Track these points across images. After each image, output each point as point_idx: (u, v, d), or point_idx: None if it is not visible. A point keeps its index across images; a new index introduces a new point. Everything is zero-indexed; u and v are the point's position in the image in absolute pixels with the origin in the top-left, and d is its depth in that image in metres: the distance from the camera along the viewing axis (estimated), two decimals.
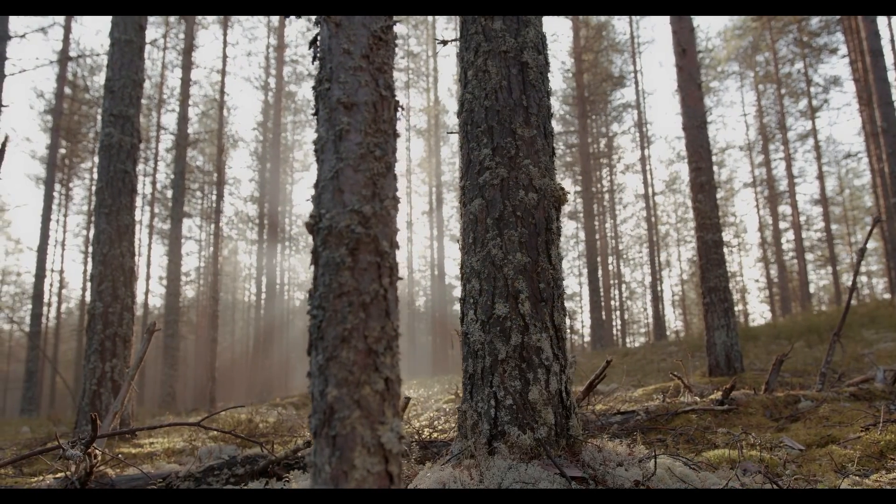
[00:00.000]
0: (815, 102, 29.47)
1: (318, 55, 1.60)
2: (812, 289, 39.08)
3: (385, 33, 1.58)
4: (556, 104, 35.28)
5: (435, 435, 5.18)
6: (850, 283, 37.09)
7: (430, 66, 35.32)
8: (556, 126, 36.16)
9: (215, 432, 6.11)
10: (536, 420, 3.18)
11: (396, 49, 1.64)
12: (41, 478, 4.19)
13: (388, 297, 1.42)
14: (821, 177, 30.31)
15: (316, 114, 1.59)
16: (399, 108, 1.61)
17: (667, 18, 9.44)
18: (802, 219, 33.55)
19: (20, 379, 23.99)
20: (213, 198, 29.30)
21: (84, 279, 33.27)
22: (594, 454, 3.16)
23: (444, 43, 4.20)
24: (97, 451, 3.43)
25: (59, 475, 4.17)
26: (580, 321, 50.69)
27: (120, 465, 4.93)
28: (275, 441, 5.91)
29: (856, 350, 11.27)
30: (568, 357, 3.52)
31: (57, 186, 29.68)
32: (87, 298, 21.76)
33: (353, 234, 1.39)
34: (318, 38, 1.61)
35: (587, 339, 40.75)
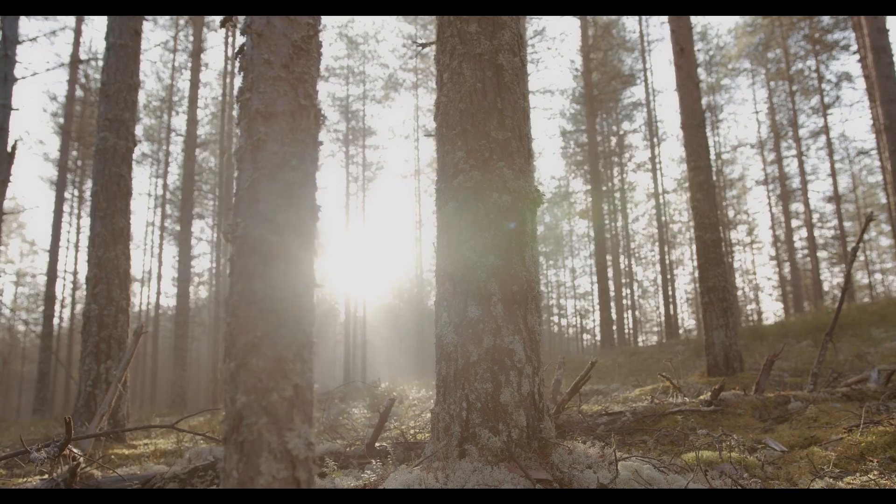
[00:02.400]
0: (826, 99, 29.25)
1: (243, 65, 1.62)
2: (826, 287, 38.74)
3: (306, 43, 1.60)
4: (566, 103, 35.25)
5: (421, 436, 5.20)
6: (864, 282, 36.57)
7: None
8: (567, 125, 36.08)
9: (210, 433, 6.17)
10: (508, 422, 3.19)
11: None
12: (26, 479, 4.24)
13: (301, 305, 1.43)
14: (833, 174, 30.06)
15: (238, 123, 1.61)
16: (321, 118, 1.62)
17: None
18: (815, 216, 33.29)
19: (35, 380, 24.24)
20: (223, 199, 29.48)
21: None
22: (564, 456, 3.16)
23: (423, 46, 4.21)
24: (74, 452, 3.46)
25: (45, 476, 4.22)
26: (592, 320, 50.58)
27: (111, 465, 4.99)
28: None
29: (860, 348, 11.17)
30: (541, 359, 3.52)
31: (70, 188, 29.97)
32: None
33: (266, 242, 1.41)
34: (245, 48, 1.63)
35: (599, 337, 40.64)
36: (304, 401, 1.41)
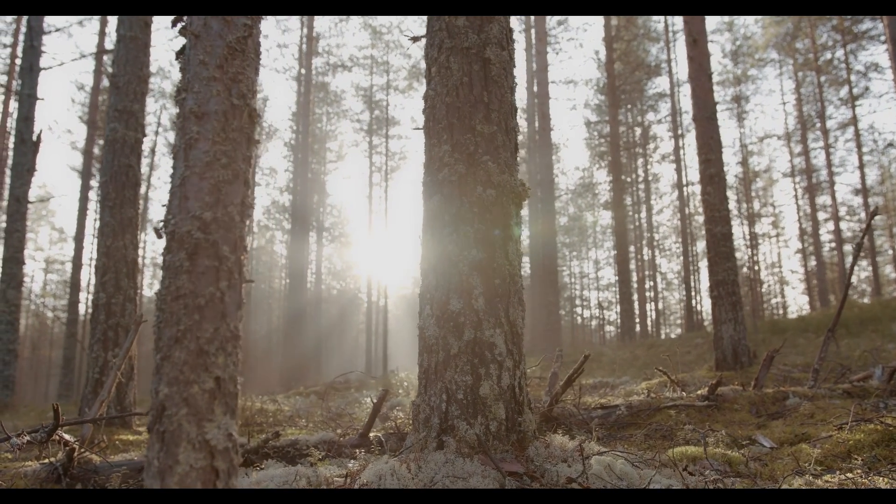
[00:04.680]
0: (855, 90, 28.72)
1: (182, 66, 1.65)
2: (854, 280, 38.19)
3: (240, 44, 1.63)
4: (590, 93, 34.99)
5: None
6: (894, 276, 35.94)
7: None
8: (591, 115, 35.79)
9: None
10: (486, 415, 3.22)
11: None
12: (27, 463, 4.36)
13: (224, 299, 1.47)
14: (861, 166, 29.55)
15: (176, 123, 1.65)
16: (255, 117, 1.65)
17: None
18: (843, 209, 32.78)
19: (61, 365, 24.69)
20: None
21: None
22: (541, 450, 3.19)
23: (415, 39, 4.23)
24: (66, 438, 3.56)
25: (45, 461, 4.34)
26: (615, 311, 50.26)
27: (114, 450, 5.11)
28: (271, 429, 6.03)
29: (877, 344, 11.03)
30: (523, 353, 3.54)
31: (97, 177, 30.38)
32: None
33: (192, 239, 1.44)
34: (185, 49, 1.67)
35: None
36: (226, 393, 1.45)
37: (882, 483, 3.03)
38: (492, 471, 2.85)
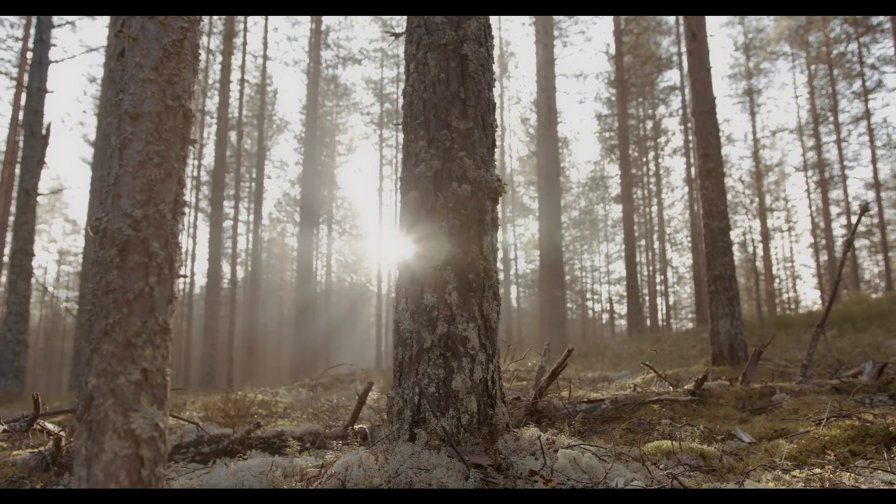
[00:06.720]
0: (868, 84, 28.46)
1: (120, 68, 1.70)
2: (867, 275, 37.96)
3: (176, 46, 1.67)
4: (601, 87, 34.85)
5: None
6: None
7: None
8: (602, 108, 35.67)
9: (204, 412, 6.37)
10: (458, 408, 3.26)
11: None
12: (16, 452, 4.46)
13: (154, 294, 1.52)
14: (874, 160, 29.30)
15: (111, 123, 1.69)
16: (190, 117, 1.69)
17: None
18: (856, 204, 32.50)
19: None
20: (239, 184, 29.89)
21: None
22: (510, 443, 3.23)
23: (397, 36, 4.26)
24: (48, 427, 3.64)
25: (34, 450, 4.43)
26: (626, 305, 50.14)
27: None
28: (264, 421, 6.11)
29: (879, 339, 11.01)
30: (497, 347, 3.58)
31: None
32: None
33: (122, 235, 1.49)
34: (123, 51, 1.71)
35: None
36: (154, 384, 1.49)
37: (847, 478, 3.05)
38: (457, 463, 2.89)
